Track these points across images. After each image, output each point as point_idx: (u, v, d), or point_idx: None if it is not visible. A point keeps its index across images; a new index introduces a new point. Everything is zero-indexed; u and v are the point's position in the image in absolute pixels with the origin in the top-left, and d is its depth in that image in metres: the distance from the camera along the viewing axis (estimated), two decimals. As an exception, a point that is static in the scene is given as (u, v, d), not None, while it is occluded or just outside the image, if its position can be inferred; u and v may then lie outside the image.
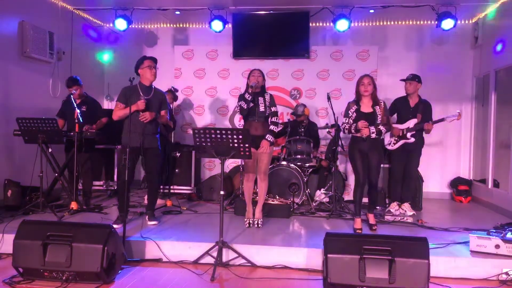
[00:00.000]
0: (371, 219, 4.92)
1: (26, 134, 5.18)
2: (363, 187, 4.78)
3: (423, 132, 5.63)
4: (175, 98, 6.69)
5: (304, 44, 7.19)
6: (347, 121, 4.75)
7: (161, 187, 6.48)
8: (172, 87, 5.99)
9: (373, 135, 4.63)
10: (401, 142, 5.61)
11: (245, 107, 4.77)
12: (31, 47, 6.03)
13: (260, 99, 4.84)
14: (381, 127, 4.64)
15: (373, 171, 4.73)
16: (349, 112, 4.73)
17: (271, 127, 4.82)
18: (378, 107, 4.68)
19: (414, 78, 5.60)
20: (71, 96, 5.47)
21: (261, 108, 4.82)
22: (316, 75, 7.30)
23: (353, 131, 4.67)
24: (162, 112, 4.91)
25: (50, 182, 5.61)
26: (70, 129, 5.43)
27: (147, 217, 4.99)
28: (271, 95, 4.95)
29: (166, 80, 7.41)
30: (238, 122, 7.28)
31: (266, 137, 4.79)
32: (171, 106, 6.30)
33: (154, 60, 4.89)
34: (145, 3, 6.94)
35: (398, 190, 5.76)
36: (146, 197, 5.47)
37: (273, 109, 4.87)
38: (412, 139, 5.56)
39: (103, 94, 8.12)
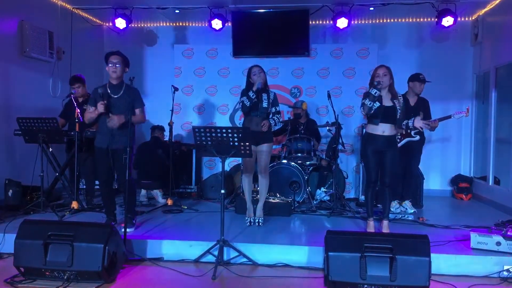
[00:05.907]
0: (386, 227, 4.42)
1: (26, 133, 5.17)
2: (375, 187, 4.51)
3: (428, 129, 5.58)
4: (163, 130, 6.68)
5: (304, 42, 7.17)
6: (367, 100, 4.19)
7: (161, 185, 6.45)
8: (172, 86, 5.98)
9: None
10: (406, 140, 5.59)
11: (248, 105, 4.74)
12: (31, 46, 6.01)
13: (264, 95, 4.82)
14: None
15: (387, 170, 4.36)
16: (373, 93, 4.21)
17: (273, 118, 4.84)
18: (397, 101, 4.32)
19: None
20: (72, 95, 5.46)
21: (265, 104, 4.81)
22: (316, 73, 7.29)
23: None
24: (137, 111, 4.48)
25: (50, 182, 5.61)
26: (71, 129, 5.42)
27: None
28: (275, 94, 4.95)
29: (166, 79, 7.41)
30: (239, 120, 7.28)
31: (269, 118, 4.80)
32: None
33: (118, 54, 4.43)
34: (144, 2, 6.92)
35: (398, 188, 5.75)
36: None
37: (276, 108, 4.87)
38: (417, 137, 5.55)
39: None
